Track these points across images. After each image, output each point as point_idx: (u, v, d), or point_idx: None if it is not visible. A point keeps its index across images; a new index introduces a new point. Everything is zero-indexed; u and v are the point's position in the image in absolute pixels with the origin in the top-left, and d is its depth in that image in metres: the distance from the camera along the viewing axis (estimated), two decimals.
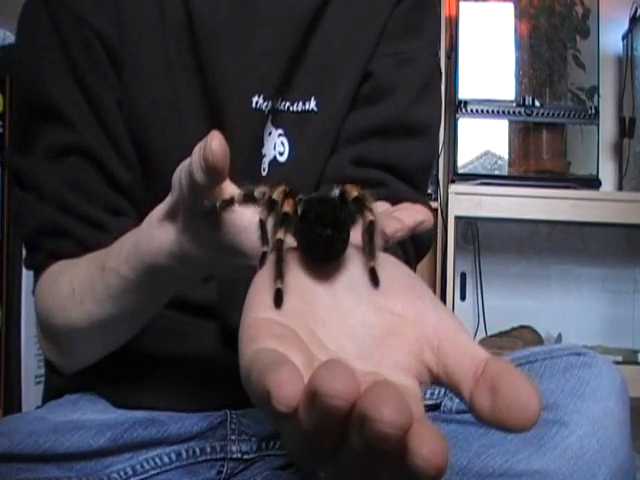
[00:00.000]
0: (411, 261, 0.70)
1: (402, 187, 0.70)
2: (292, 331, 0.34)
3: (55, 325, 0.63)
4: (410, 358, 0.34)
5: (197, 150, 0.42)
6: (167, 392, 0.67)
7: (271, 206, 0.39)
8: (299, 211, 0.38)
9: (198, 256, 0.48)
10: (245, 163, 0.67)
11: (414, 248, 0.70)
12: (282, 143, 0.69)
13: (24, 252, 1.45)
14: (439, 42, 0.82)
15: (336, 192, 0.39)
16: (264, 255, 0.38)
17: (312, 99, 0.69)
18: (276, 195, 0.39)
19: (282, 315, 0.35)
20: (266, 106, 0.67)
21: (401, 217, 0.43)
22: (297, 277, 0.37)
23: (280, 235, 0.37)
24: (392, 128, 0.70)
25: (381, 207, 0.50)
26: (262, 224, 0.38)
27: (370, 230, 0.37)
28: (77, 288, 0.59)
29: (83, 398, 0.69)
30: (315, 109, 0.69)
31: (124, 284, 0.54)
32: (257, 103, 0.67)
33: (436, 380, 0.33)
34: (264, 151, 0.68)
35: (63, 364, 0.67)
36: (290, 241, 0.38)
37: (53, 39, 0.65)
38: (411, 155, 0.71)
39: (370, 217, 0.37)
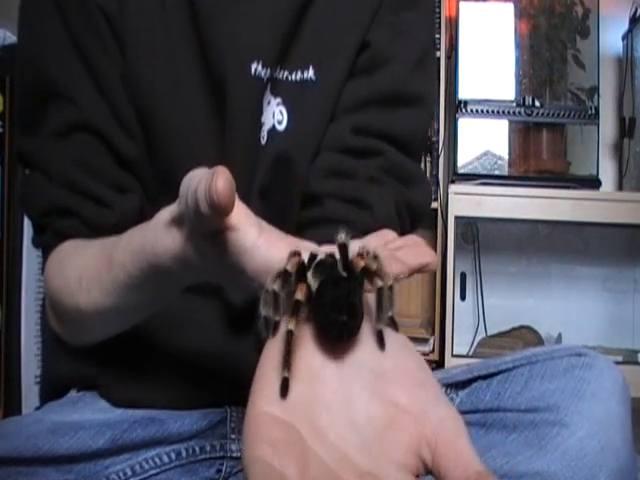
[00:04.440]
0: (406, 229, 0.71)
1: (399, 157, 0.71)
2: (291, 433, 0.36)
3: (63, 305, 0.63)
4: (408, 456, 0.36)
5: (203, 183, 0.41)
6: (167, 388, 0.67)
7: (285, 277, 0.40)
8: (313, 283, 0.40)
9: (201, 267, 0.48)
10: (244, 131, 0.67)
11: (409, 217, 0.71)
12: (281, 112, 0.69)
13: (25, 238, 1.46)
14: (433, 19, 0.85)
15: (342, 236, 0.41)
16: (277, 324, 0.40)
17: (310, 68, 0.69)
18: (290, 266, 0.40)
19: (285, 407, 0.37)
20: (265, 73, 0.67)
21: (406, 258, 0.44)
22: (305, 356, 0.39)
23: (291, 326, 0.39)
24: (390, 98, 0.71)
25: (387, 236, 0.51)
26: (275, 296, 0.40)
27: (379, 296, 0.40)
28: (84, 277, 0.59)
29: (83, 399, 0.68)
30: (313, 78, 0.69)
31: (130, 280, 0.54)
32: (256, 70, 0.67)
33: (430, 474, 0.35)
34: (263, 119, 0.68)
35: (71, 338, 0.67)
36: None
37: (55, 16, 0.65)
38: (408, 124, 0.72)
39: (379, 284, 0.40)
